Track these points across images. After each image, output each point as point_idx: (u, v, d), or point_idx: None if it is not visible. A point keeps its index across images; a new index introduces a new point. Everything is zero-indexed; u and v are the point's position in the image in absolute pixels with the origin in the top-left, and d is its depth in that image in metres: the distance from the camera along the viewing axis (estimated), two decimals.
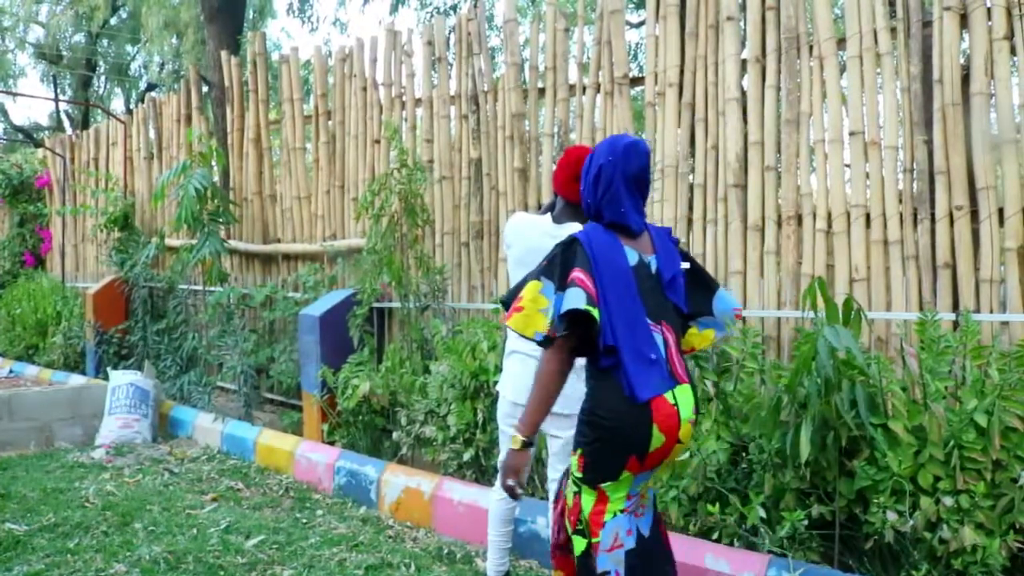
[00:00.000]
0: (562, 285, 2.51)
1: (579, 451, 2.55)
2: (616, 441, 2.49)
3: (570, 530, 2.63)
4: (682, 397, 2.57)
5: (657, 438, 2.48)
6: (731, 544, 3.55)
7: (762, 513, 3.45)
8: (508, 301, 2.62)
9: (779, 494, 3.52)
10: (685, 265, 2.77)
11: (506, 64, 5.80)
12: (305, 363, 6.20)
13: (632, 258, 2.61)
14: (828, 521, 3.43)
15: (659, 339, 2.57)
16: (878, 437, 3.25)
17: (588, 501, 2.54)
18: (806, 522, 3.35)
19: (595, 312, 2.45)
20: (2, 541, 4.27)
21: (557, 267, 2.55)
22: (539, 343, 2.53)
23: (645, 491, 2.65)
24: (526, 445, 2.55)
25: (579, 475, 2.53)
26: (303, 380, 6.27)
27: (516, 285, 2.68)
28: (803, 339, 3.50)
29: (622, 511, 2.54)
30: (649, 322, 2.56)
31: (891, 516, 3.15)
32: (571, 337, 2.50)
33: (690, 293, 2.78)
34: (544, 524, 3.98)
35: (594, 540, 2.52)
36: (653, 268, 2.66)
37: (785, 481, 3.47)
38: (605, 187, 2.62)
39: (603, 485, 2.52)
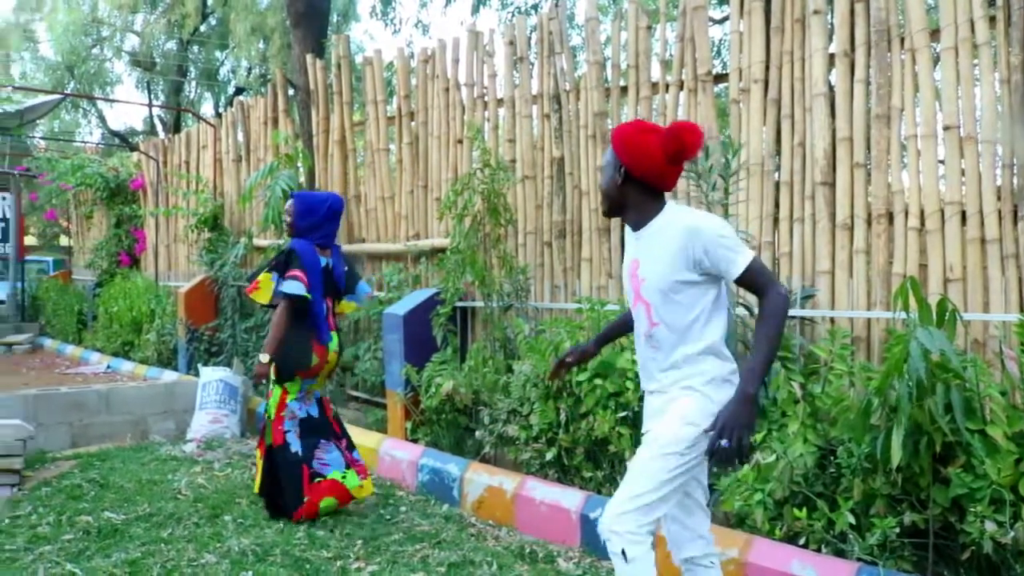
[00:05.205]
0: (282, 276, 4.59)
1: (274, 365, 4.60)
2: (295, 362, 4.63)
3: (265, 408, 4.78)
4: (333, 339, 4.77)
5: (314, 360, 4.66)
6: (819, 550, 3.47)
7: (851, 519, 3.37)
8: (250, 279, 4.85)
9: (869, 500, 3.43)
10: (346, 268, 4.96)
11: (588, 63, 5.77)
12: (389, 361, 6.28)
13: (322, 262, 4.73)
14: (921, 529, 3.33)
15: (325, 306, 4.76)
16: (975, 443, 3.13)
17: (277, 392, 4.70)
18: (898, 530, 3.26)
19: (308, 296, 4.57)
20: (102, 529, 4.46)
21: (282, 267, 4.62)
22: (270, 304, 4.69)
23: (311, 391, 4.78)
24: (271, 361, 4.57)
25: (274, 378, 4.67)
26: (387, 378, 6.36)
27: (253, 272, 5.09)
28: (894, 340, 3.39)
29: (295, 399, 4.71)
30: (324, 299, 4.75)
31: (990, 526, 3.03)
32: (290, 303, 4.56)
33: (347, 281, 4.93)
34: None
35: (281, 413, 4.66)
36: (331, 267, 4.81)
37: (875, 487, 3.38)
38: (322, 221, 4.74)
39: (285, 384, 4.68)
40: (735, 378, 2.67)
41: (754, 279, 2.61)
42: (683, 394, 2.67)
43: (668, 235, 2.66)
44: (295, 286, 4.51)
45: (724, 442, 2.48)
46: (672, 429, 2.62)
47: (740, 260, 2.58)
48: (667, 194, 2.81)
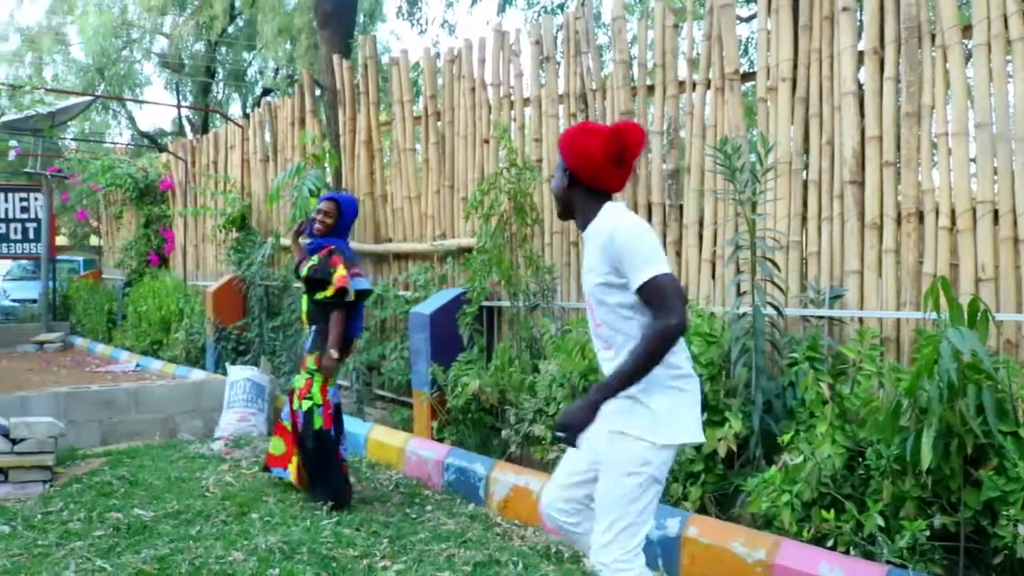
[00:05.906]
0: (350, 273, 4.80)
1: (316, 355, 4.87)
2: (342, 350, 4.89)
3: (297, 402, 4.92)
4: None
5: (353, 348, 5.15)
6: (847, 552, 3.44)
7: (880, 521, 3.33)
8: (325, 278, 4.80)
9: (898, 502, 3.39)
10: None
11: (614, 62, 5.76)
12: (415, 361, 6.30)
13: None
14: (952, 532, 3.29)
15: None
16: (1008, 445, 3.09)
17: (319, 380, 4.90)
18: (928, 532, 3.23)
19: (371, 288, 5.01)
20: (131, 525, 4.50)
21: (349, 264, 4.82)
22: (344, 301, 4.80)
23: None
24: (342, 357, 4.92)
25: (314, 367, 4.88)
26: (413, 378, 6.37)
27: (323, 264, 4.81)
28: (924, 341, 3.35)
29: (334, 385, 4.99)
30: None
31: (1023, 530, 2.99)
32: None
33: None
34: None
35: (328, 398, 4.91)
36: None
37: (905, 489, 3.34)
38: (353, 221, 5.11)
39: None
40: (681, 383, 2.62)
41: (651, 296, 2.50)
42: (623, 404, 2.60)
43: (597, 238, 2.64)
44: (364, 282, 4.93)
45: (559, 433, 2.59)
46: (619, 451, 2.58)
47: (644, 273, 2.49)
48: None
